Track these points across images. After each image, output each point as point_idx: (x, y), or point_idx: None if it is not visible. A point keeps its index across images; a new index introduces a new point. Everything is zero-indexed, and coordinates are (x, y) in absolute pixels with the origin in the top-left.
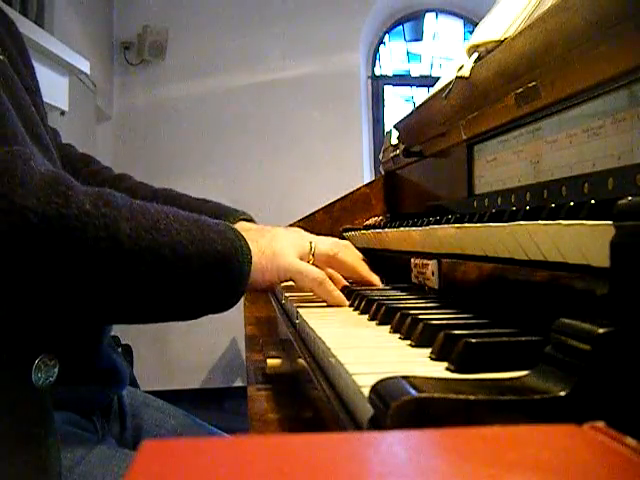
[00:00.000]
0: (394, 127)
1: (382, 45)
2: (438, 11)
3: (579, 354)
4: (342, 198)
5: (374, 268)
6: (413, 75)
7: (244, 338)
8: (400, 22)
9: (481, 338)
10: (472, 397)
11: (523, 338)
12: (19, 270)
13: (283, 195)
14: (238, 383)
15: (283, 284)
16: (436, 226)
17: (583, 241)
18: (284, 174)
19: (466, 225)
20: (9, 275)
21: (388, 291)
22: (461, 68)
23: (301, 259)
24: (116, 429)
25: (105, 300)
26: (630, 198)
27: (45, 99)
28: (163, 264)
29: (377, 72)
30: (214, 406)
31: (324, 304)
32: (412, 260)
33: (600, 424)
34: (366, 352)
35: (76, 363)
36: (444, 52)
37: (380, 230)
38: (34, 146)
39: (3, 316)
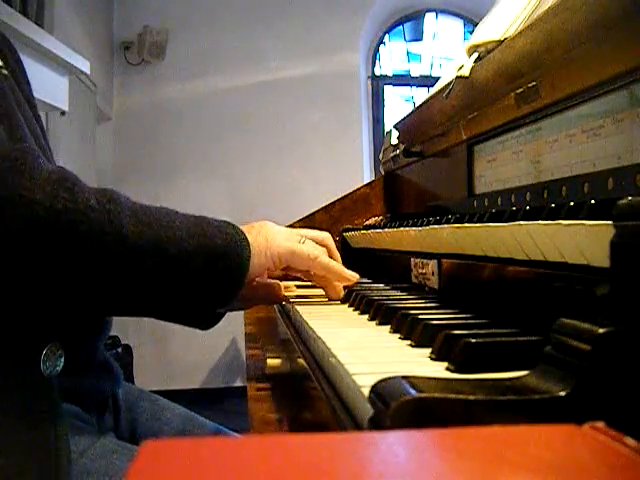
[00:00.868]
0: (394, 127)
1: (382, 45)
2: (438, 11)
3: (579, 354)
4: (342, 198)
5: (374, 268)
6: (413, 75)
7: (244, 338)
8: (400, 22)
9: (481, 338)
10: (472, 397)
11: (523, 338)
12: (26, 261)
13: (283, 195)
14: (238, 383)
15: (283, 283)
16: (436, 226)
17: (583, 241)
18: (284, 174)
19: (466, 225)
20: (16, 266)
21: (388, 291)
22: (461, 68)
23: None
24: (110, 423)
25: (108, 292)
26: (630, 198)
27: (45, 99)
28: (166, 258)
29: (377, 72)
30: (214, 406)
31: (324, 304)
32: (412, 260)
33: (600, 424)
34: (366, 352)
35: (79, 355)
36: (444, 52)
37: (380, 230)
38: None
39: (12, 306)
